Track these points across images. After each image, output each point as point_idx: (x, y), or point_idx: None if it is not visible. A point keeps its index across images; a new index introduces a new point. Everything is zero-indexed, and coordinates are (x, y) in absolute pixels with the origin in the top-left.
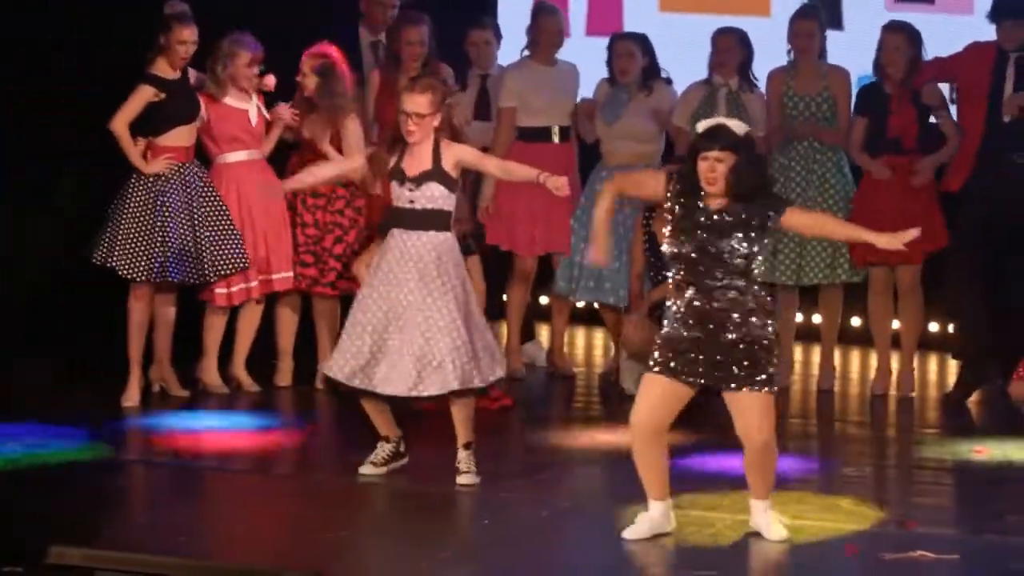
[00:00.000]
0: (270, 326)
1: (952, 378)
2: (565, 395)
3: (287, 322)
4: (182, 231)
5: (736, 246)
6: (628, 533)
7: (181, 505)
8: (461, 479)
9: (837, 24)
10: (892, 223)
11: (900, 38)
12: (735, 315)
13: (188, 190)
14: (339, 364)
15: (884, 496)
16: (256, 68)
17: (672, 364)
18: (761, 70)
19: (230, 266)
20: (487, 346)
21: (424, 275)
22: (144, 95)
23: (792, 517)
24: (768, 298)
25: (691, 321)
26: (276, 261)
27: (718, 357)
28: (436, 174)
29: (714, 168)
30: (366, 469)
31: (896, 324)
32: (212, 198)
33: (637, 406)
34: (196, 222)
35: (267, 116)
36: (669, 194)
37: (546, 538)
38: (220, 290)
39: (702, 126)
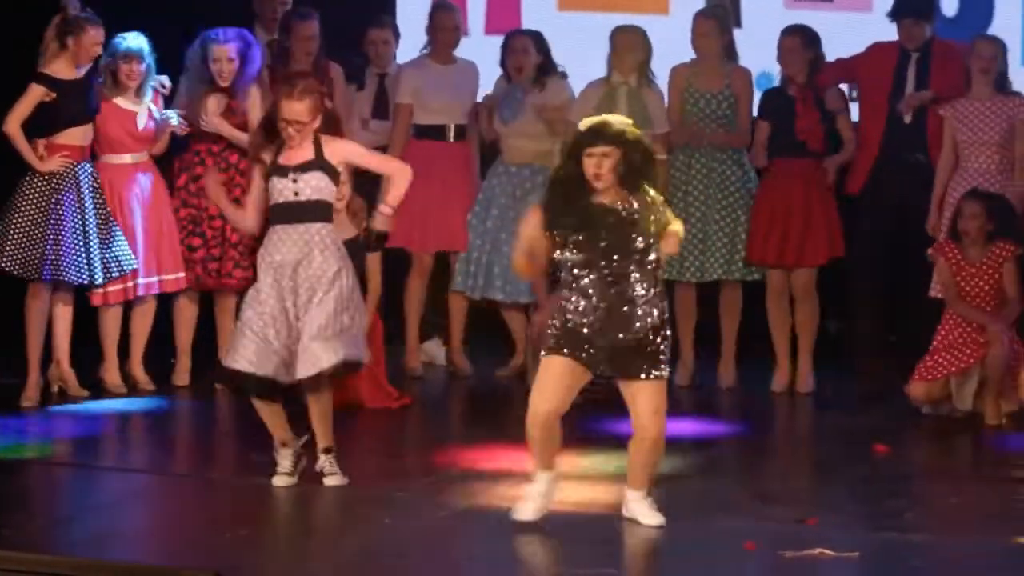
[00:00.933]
0: (171, 324)
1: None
2: (464, 394)
3: (185, 320)
4: (74, 231)
5: (638, 238)
6: (521, 514)
7: (81, 505)
8: (329, 481)
9: (736, 22)
10: (794, 227)
11: (795, 41)
12: (643, 310)
13: (81, 190)
14: (248, 359)
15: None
16: (131, 63)
17: (575, 350)
18: (659, 68)
19: (117, 268)
20: (361, 330)
21: (310, 268)
22: (35, 95)
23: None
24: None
25: (601, 319)
26: (161, 263)
27: (624, 350)
28: (319, 164)
29: (601, 164)
30: (280, 481)
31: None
32: (102, 199)
33: (543, 392)
34: (87, 223)
35: (157, 120)
36: (548, 225)
37: (444, 538)
38: (98, 289)
39: (584, 123)
